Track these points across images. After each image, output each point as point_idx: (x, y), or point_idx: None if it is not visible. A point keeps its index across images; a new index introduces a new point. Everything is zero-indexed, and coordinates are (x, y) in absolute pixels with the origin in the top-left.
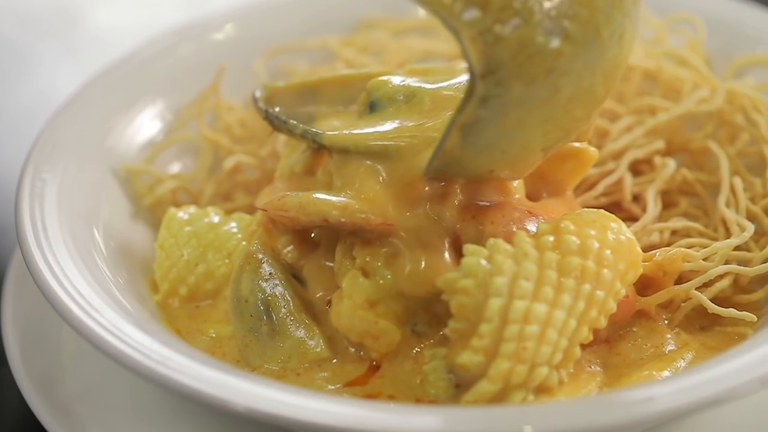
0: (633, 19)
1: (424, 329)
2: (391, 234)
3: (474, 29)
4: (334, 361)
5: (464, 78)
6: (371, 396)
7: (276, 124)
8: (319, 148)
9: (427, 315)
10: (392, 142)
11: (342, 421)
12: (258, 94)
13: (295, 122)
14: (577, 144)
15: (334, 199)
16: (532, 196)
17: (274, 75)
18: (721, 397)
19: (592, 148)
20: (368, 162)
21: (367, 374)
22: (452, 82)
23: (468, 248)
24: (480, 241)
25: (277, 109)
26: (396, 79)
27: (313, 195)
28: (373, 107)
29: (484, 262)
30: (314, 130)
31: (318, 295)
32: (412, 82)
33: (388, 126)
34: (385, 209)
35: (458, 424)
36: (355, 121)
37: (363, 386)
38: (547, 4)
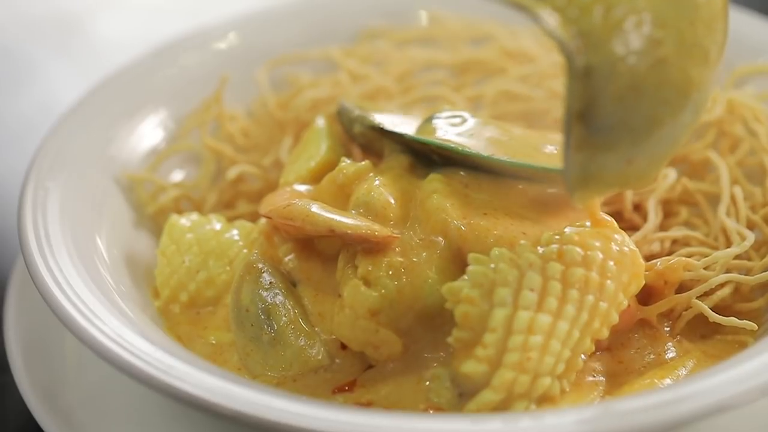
0: None
1: (426, 339)
2: (395, 245)
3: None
4: (334, 365)
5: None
6: (371, 403)
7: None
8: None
9: (430, 324)
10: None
11: (345, 430)
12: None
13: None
14: None
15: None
16: (549, 207)
17: (276, 85)
18: (722, 405)
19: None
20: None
21: (368, 380)
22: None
23: (473, 257)
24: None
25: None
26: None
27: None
28: None
29: (489, 271)
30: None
31: (318, 303)
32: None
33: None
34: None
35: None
36: None
37: (365, 393)
38: None
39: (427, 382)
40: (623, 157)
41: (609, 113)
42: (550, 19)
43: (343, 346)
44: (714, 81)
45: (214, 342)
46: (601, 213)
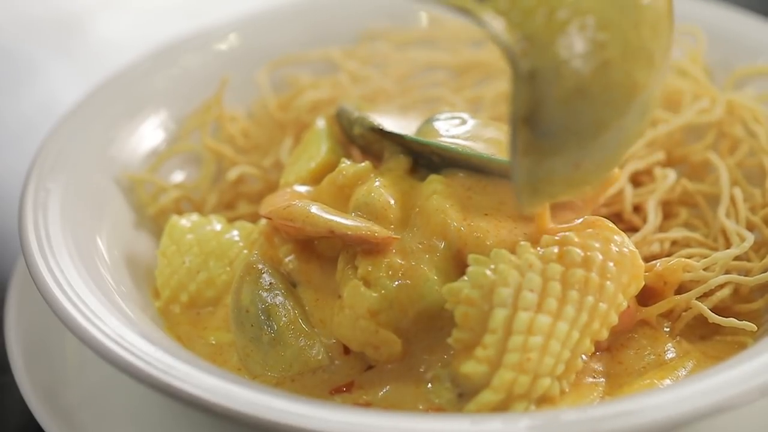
0: None
1: (426, 339)
2: (395, 246)
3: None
4: (333, 366)
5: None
6: (369, 404)
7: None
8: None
9: (430, 325)
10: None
11: (345, 430)
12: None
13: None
14: None
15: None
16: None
17: (276, 86)
18: (722, 405)
19: (616, 170)
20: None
21: (367, 381)
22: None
23: (473, 258)
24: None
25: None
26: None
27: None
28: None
29: (489, 272)
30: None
31: (318, 302)
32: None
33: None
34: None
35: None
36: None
37: (363, 394)
38: None
39: (427, 383)
40: (570, 162)
41: (555, 117)
42: (495, 22)
43: (346, 351)
44: (661, 84)
45: (214, 342)
46: (550, 224)
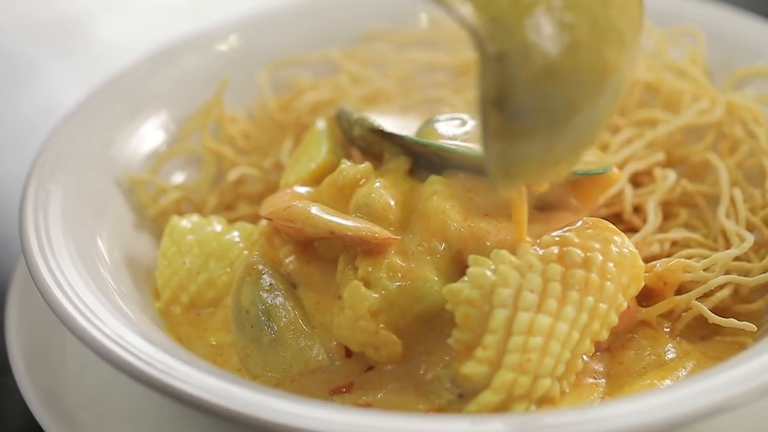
0: None
1: (426, 340)
2: (395, 246)
3: None
4: (333, 366)
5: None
6: (369, 404)
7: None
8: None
9: (430, 326)
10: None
11: (345, 431)
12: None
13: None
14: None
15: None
16: (548, 209)
17: (277, 87)
18: (722, 406)
19: (616, 170)
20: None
21: (366, 382)
22: None
23: (474, 258)
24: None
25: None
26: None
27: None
28: None
29: (489, 272)
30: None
31: (318, 303)
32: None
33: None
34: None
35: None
36: None
37: (362, 395)
38: None
39: (428, 384)
40: (543, 144)
41: (525, 99)
42: (462, 7)
43: (348, 354)
44: (633, 65)
45: (214, 343)
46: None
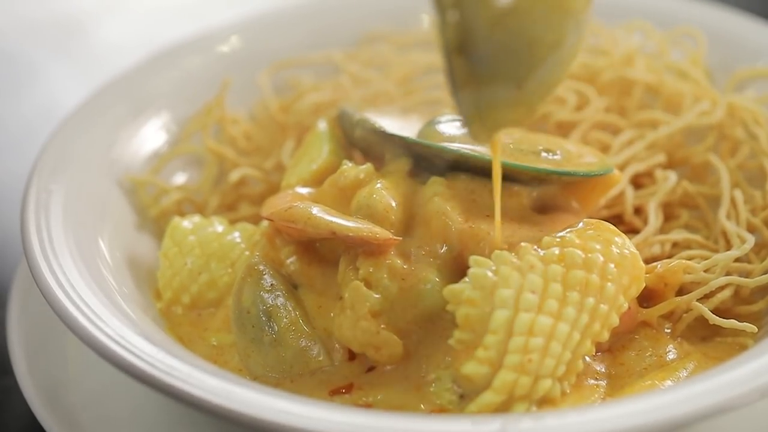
0: None
1: (427, 341)
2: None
3: None
4: (333, 367)
5: None
6: (370, 405)
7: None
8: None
9: (431, 326)
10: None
11: (346, 431)
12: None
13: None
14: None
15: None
16: (549, 210)
17: (278, 88)
18: (723, 406)
19: (617, 172)
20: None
21: (367, 382)
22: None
23: (474, 259)
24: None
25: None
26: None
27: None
28: None
29: (490, 273)
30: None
31: (319, 306)
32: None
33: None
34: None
35: None
36: None
37: (363, 395)
38: None
39: (429, 384)
40: (512, 84)
41: (487, 41)
42: None
43: (351, 357)
44: (592, 2)
45: (215, 343)
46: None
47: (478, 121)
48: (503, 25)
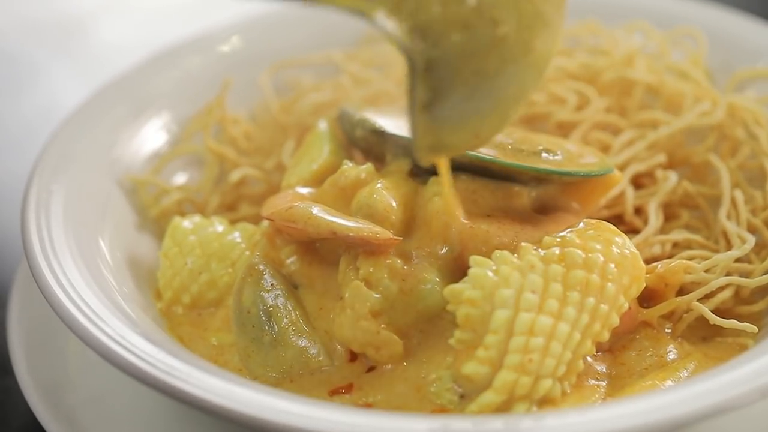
0: None
1: (427, 340)
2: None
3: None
4: (333, 367)
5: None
6: (370, 405)
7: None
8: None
9: (431, 326)
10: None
11: (346, 431)
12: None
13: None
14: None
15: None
16: (549, 211)
17: (279, 88)
18: (723, 406)
19: (617, 172)
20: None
21: (367, 382)
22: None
23: (474, 259)
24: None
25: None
26: None
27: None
28: None
29: (490, 273)
30: None
31: (320, 306)
32: None
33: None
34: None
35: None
36: None
37: (364, 395)
38: None
39: (429, 384)
40: (471, 133)
41: (455, 101)
42: (387, 21)
43: (353, 358)
44: (558, 40)
45: (215, 343)
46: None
47: (429, 153)
48: (471, 85)
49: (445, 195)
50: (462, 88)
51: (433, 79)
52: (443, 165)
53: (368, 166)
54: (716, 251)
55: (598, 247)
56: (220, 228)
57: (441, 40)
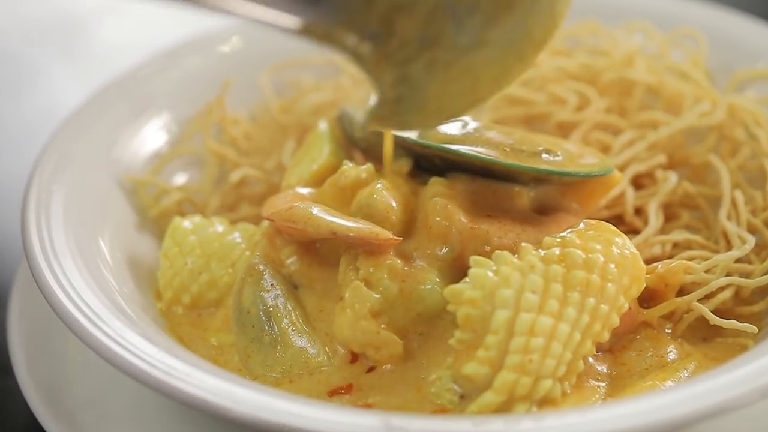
0: None
1: (427, 341)
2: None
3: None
4: (333, 367)
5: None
6: (370, 405)
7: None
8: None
9: (431, 326)
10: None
11: (346, 431)
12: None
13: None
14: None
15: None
16: (549, 211)
17: (279, 88)
18: (723, 407)
19: (618, 173)
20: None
21: (367, 383)
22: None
23: (475, 260)
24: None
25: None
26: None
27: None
28: None
29: (491, 273)
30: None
31: (320, 307)
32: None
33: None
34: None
35: None
36: None
37: (364, 395)
38: None
39: (429, 385)
40: (420, 124)
41: (415, 118)
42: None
43: (354, 359)
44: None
45: (215, 343)
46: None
47: (380, 121)
48: (435, 103)
49: (386, 163)
50: (428, 104)
51: (398, 107)
52: (388, 137)
53: (368, 167)
54: (716, 252)
55: (599, 247)
56: (220, 228)
57: (418, 91)
